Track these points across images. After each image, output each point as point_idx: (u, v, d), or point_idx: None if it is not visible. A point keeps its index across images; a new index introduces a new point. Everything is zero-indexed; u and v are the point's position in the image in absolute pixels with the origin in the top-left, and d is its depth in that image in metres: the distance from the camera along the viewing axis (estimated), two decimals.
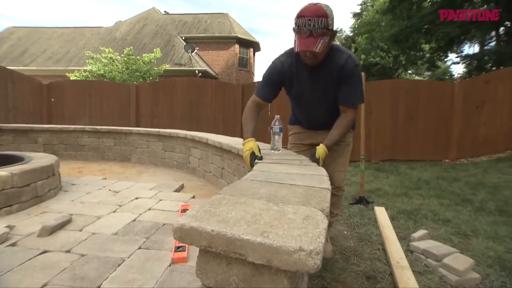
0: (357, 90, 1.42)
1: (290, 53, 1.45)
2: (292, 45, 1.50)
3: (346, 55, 1.36)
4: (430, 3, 11.52)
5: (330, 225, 1.78)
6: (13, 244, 1.61)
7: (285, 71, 1.45)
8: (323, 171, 1.18)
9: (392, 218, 2.39)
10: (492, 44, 11.38)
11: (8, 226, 1.76)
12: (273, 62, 1.50)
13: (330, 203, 1.57)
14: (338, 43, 1.48)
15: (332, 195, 1.60)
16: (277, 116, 1.56)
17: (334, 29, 1.29)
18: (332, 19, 1.26)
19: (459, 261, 1.56)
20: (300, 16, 1.24)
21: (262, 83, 1.53)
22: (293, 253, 0.51)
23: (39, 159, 2.63)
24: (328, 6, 1.26)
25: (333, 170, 1.59)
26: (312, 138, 1.68)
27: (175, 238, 0.62)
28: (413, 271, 1.56)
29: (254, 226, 0.59)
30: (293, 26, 1.29)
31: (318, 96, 1.48)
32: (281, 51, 1.53)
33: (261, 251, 0.53)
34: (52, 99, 7.17)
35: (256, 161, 1.32)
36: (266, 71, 1.52)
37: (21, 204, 2.15)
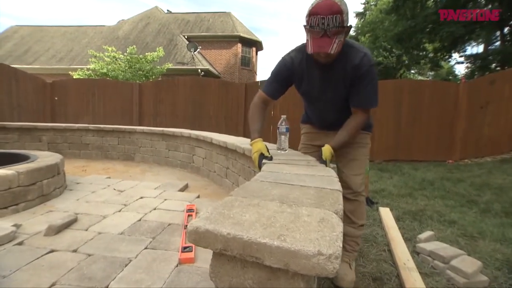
0: (371, 92, 1.33)
1: (301, 49, 1.37)
2: (299, 42, 1.44)
3: (361, 53, 1.27)
4: (434, 3, 11.45)
5: (356, 242, 1.58)
6: (20, 243, 1.61)
7: (295, 68, 1.39)
8: (331, 172, 1.17)
9: (397, 219, 2.38)
10: (497, 44, 11.31)
11: (15, 225, 1.77)
12: (282, 57, 1.43)
13: (350, 211, 1.53)
14: None
15: (350, 200, 1.53)
16: (283, 116, 1.55)
17: (349, 24, 1.20)
18: (347, 14, 1.16)
19: (467, 264, 1.55)
20: (312, 13, 1.14)
21: (270, 79, 1.47)
22: (312, 257, 0.50)
23: (45, 157, 2.64)
24: (342, 0, 1.16)
25: (346, 175, 1.52)
26: (322, 139, 1.61)
27: (189, 241, 0.62)
28: (420, 273, 1.55)
29: (270, 229, 0.59)
30: (304, 24, 1.20)
31: (328, 95, 1.41)
32: (283, 50, 1.50)
33: (279, 255, 0.53)
34: (56, 98, 7.19)
35: (264, 161, 1.29)
36: (275, 66, 1.45)
37: (27, 203, 2.16)
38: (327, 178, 1.04)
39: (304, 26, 1.20)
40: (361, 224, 1.59)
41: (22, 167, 2.20)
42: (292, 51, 1.43)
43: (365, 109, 1.38)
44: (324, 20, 1.12)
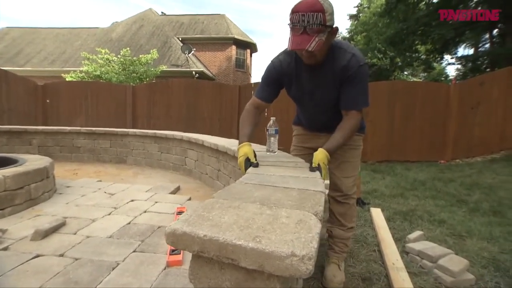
0: (361, 93, 1.31)
1: (290, 52, 1.35)
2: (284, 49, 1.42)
3: (349, 54, 1.25)
4: (425, 5, 11.62)
5: (345, 243, 1.58)
6: (5, 248, 1.59)
7: (284, 70, 1.38)
8: (317, 173, 1.17)
9: (388, 219, 2.40)
10: (487, 45, 11.51)
11: (0, 230, 1.74)
12: (271, 61, 1.42)
13: (340, 213, 1.53)
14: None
15: (340, 203, 1.53)
16: (272, 118, 1.55)
17: (335, 25, 1.18)
18: (331, 14, 1.15)
19: (454, 262, 1.57)
20: (294, 11, 1.13)
21: (261, 84, 1.46)
22: (285, 259, 0.51)
23: (33, 161, 2.60)
24: (326, 0, 1.15)
25: (338, 177, 1.51)
26: (312, 141, 1.58)
27: (167, 243, 0.62)
28: (408, 272, 1.57)
29: (247, 230, 0.59)
30: (288, 22, 1.17)
31: (318, 97, 1.39)
32: (277, 52, 1.45)
33: (254, 256, 0.53)
34: (48, 100, 7.11)
35: (251, 167, 1.25)
36: (265, 71, 1.44)
37: (14, 207, 2.12)
38: (312, 180, 1.05)
39: (288, 24, 1.19)
40: (350, 227, 1.59)
41: (9, 171, 2.17)
42: (281, 53, 1.42)
43: (357, 110, 1.33)
44: (304, 17, 1.11)
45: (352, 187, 1.54)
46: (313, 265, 0.52)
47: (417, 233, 2.01)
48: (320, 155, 1.23)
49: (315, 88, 1.37)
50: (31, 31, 17.83)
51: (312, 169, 1.21)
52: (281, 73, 1.39)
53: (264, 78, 1.45)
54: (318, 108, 1.46)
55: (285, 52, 1.40)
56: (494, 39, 10.54)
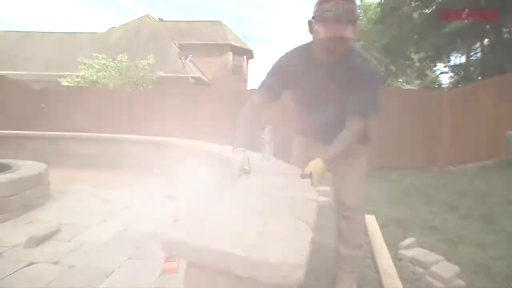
0: (368, 98, 1.23)
1: (302, 48, 1.28)
2: (294, 46, 1.32)
3: (362, 58, 1.22)
4: (418, 15, 11.86)
5: (354, 263, 1.47)
6: None
7: (292, 67, 1.28)
8: (308, 180, 1.18)
9: (382, 226, 2.42)
10: (478, 55, 11.77)
11: None
12: (280, 57, 1.32)
13: (343, 228, 1.43)
14: None
15: (344, 217, 1.41)
16: (268, 126, 1.58)
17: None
18: (357, 6, 1.11)
19: (445, 269, 1.60)
20: (324, 0, 1.07)
21: (265, 81, 1.33)
22: (276, 267, 0.53)
23: (28, 167, 2.59)
24: None
25: (341, 189, 1.44)
26: (315, 151, 1.45)
27: (162, 251, 0.64)
28: (401, 279, 1.59)
29: (239, 239, 0.61)
30: (313, 15, 1.11)
31: (323, 100, 1.31)
32: (274, 58, 1.37)
33: (245, 264, 0.55)
34: (43, 105, 7.07)
35: (243, 175, 1.23)
36: (272, 67, 1.33)
37: (7, 214, 2.11)
38: (305, 188, 1.07)
39: (313, 17, 1.12)
40: (357, 244, 1.45)
41: (2, 177, 2.16)
42: (292, 50, 1.32)
43: (362, 116, 1.26)
44: (338, 6, 1.04)
45: (355, 200, 1.42)
46: (304, 273, 0.54)
47: (410, 240, 2.03)
48: (315, 164, 1.21)
49: (324, 88, 1.27)
50: (27, 35, 17.78)
51: (303, 176, 1.20)
52: (289, 69, 1.29)
53: (270, 74, 1.33)
54: (324, 112, 1.35)
55: (296, 48, 1.31)
56: (485, 49, 10.78)
